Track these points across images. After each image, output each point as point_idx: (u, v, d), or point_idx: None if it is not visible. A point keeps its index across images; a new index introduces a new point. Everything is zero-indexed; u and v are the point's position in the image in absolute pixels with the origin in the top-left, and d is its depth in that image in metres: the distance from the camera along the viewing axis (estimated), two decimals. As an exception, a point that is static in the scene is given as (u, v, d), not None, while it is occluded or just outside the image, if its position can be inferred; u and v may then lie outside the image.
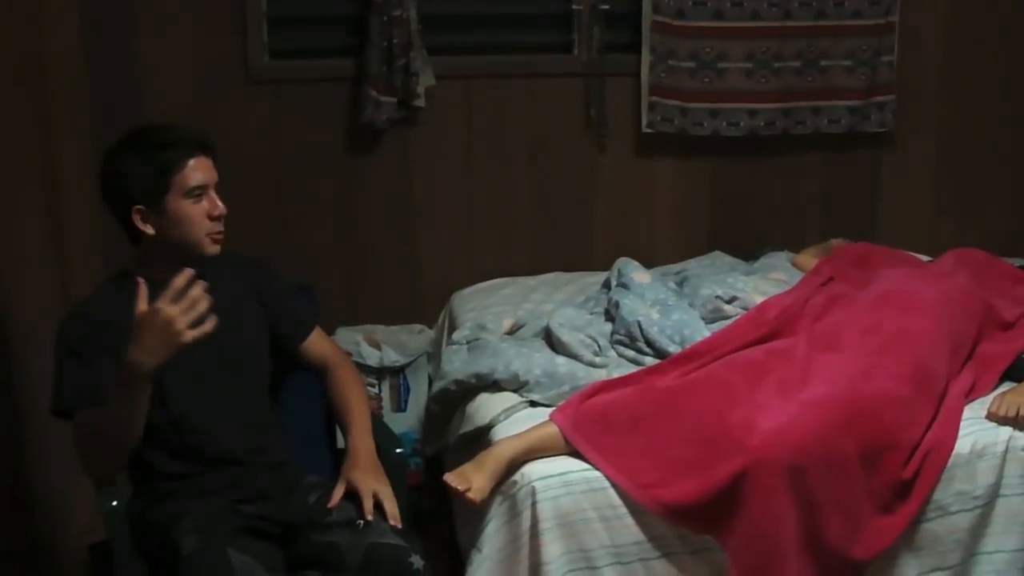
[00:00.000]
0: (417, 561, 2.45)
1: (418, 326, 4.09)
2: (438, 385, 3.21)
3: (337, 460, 3.29)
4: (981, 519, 2.85)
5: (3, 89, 3.08)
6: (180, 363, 2.53)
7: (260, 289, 2.76)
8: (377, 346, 3.92)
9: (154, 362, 2.26)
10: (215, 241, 2.55)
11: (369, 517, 2.50)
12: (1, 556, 2.88)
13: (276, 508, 2.58)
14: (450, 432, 3.20)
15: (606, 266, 3.81)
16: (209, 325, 2.25)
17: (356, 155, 4.01)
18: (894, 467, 2.77)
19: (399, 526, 2.51)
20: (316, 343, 2.83)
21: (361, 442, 2.67)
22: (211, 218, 2.52)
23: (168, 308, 2.21)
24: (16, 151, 3.13)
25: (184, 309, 2.22)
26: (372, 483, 2.56)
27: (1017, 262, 3.80)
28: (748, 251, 4.08)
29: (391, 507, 2.53)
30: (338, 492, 2.57)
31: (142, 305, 2.23)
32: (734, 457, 2.66)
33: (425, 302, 4.09)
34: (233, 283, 2.70)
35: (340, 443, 3.41)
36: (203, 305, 2.24)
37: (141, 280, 2.27)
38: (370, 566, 2.45)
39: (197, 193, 2.50)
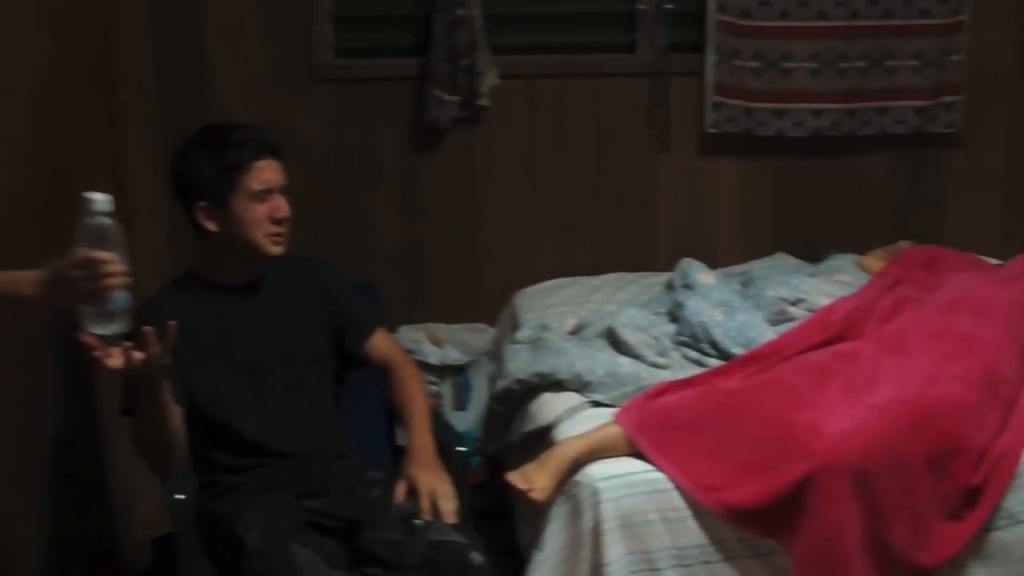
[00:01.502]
0: (477, 557, 2.46)
1: (480, 325, 4.09)
2: (500, 384, 3.21)
3: (397, 456, 3.33)
4: (1052, 528, 2.81)
5: (81, 90, 3.12)
6: (238, 362, 2.56)
7: (324, 290, 2.78)
8: (439, 344, 3.93)
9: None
10: (276, 243, 2.56)
11: (427, 517, 2.51)
12: (72, 549, 2.92)
13: (338, 503, 2.60)
14: (512, 431, 3.19)
15: (669, 267, 3.79)
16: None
17: (420, 154, 4.02)
18: (963, 473, 2.73)
19: (455, 523, 2.51)
20: (379, 344, 2.84)
21: (421, 440, 2.68)
22: (273, 220, 2.54)
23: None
24: (87, 150, 3.17)
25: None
26: (431, 481, 2.57)
27: (1089, 266, 3.73)
28: (812, 253, 4.03)
29: (448, 505, 2.53)
30: (400, 490, 2.58)
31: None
32: (799, 461, 2.63)
33: (487, 301, 4.09)
34: (297, 283, 2.73)
35: (400, 440, 3.46)
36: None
37: (174, 324, 2.22)
38: (431, 562, 2.46)
39: (263, 195, 2.52)
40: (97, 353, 2.11)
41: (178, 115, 3.75)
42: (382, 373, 2.84)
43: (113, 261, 1.94)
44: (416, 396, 2.78)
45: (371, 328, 2.84)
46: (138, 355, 2.14)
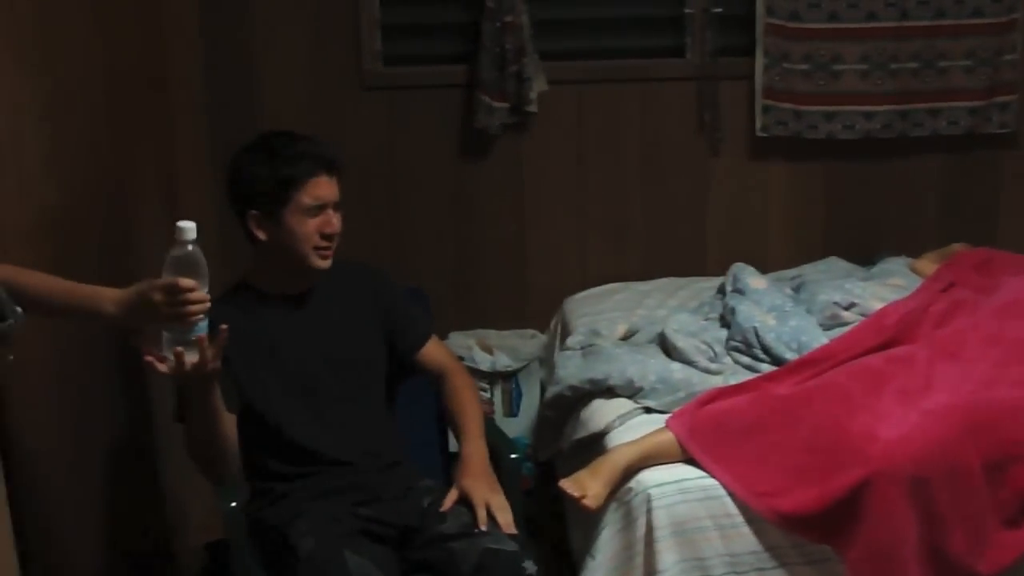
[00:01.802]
0: (531, 566, 2.45)
1: (530, 331, 4.10)
2: (552, 391, 3.21)
3: (449, 464, 3.34)
4: (1111, 534, 2.76)
5: (134, 103, 3.16)
6: (290, 370, 2.58)
7: (377, 298, 2.80)
8: (489, 351, 3.94)
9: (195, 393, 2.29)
10: (323, 257, 2.58)
11: (483, 527, 2.50)
12: (127, 554, 2.95)
13: (392, 511, 2.61)
14: (564, 438, 3.19)
15: (719, 271, 3.77)
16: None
17: (469, 160, 4.03)
18: (1020, 479, 2.69)
19: (515, 533, 2.51)
20: (432, 351, 2.86)
21: (474, 449, 2.68)
22: (323, 236, 2.56)
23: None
24: (140, 162, 3.21)
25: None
26: (485, 492, 2.57)
27: None
28: (864, 256, 4.00)
29: (505, 517, 2.53)
30: (451, 498, 2.59)
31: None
32: (854, 467, 2.61)
33: (537, 307, 4.09)
34: (350, 291, 2.74)
35: (453, 446, 3.47)
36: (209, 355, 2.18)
37: (224, 328, 2.24)
38: (483, 571, 2.46)
39: (315, 210, 2.53)
40: (149, 358, 2.13)
41: (228, 127, 3.78)
42: (435, 381, 2.86)
43: (197, 290, 2.02)
44: (469, 404, 2.79)
45: (424, 336, 2.86)
46: (190, 359, 2.15)
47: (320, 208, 2.54)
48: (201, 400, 2.35)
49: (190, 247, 2.07)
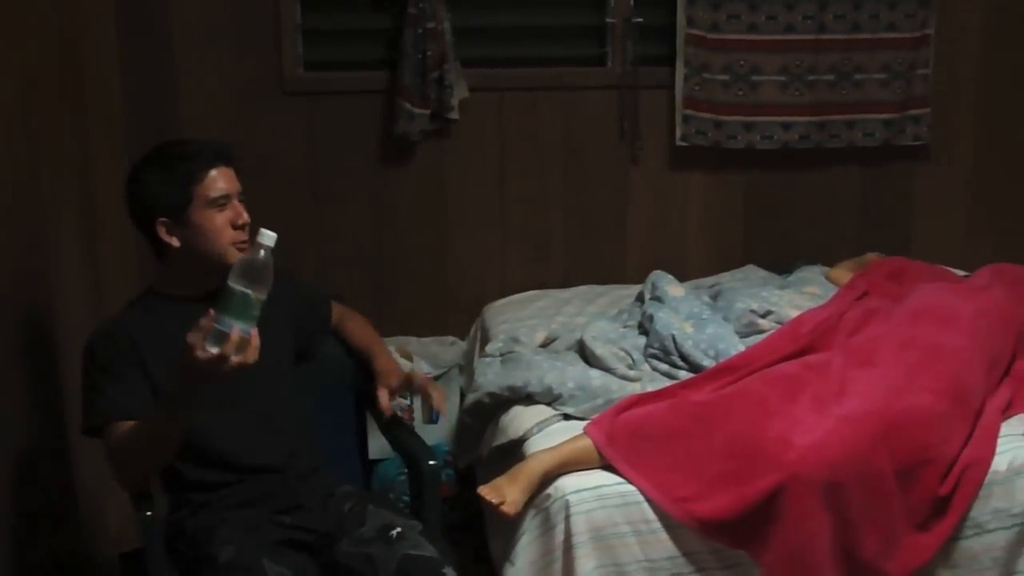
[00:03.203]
0: (451, 573, 2.44)
1: (450, 338, 4.09)
2: (471, 397, 3.21)
3: (369, 472, 3.33)
4: (1019, 537, 2.81)
5: (48, 108, 3.11)
6: None
7: (283, 293, 2.78)
8: (409, 358, 3.92)
9: (199, 392, 2.28)
10: (241, 250, 2.56)
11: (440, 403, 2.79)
12: (39, 565, 2.89)
13: (312, 518, 2.58)
14: (483, 445, 3.19)
15: (639, 279, 3.80)
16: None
17: (390, 167, 4.02)
18: (931, 484, 2.75)
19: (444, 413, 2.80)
20: (335, 313, 2.99)
21: (390, 363, 2.90)
22: (235, 227, 2.54)
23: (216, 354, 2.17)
24: (55, 168, 3.15)
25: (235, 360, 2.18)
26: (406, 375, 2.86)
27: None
28: (781, 265, 4.06)
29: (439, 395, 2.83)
30: (383, 396, 2.79)
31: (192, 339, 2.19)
32: (770, 472, 2.64)
33: (457, 314, 4.10)
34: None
35: (372, 454, 3.45)
36: (252, 355, 2.21)
37: (212, 311, 2.21)
38: None
39: (220, 203, 2.52)
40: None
41: (147, 131, 3.73)
42: (336, 332, 3.00)
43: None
44: (372, 331, 3.01)
45: (329, 307, 2.97)
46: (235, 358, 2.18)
47: (225, 199, 2.53)
48: (183, 415, 2.32)
49: (262, 253, 2.17)
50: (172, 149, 2.56)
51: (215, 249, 2.52)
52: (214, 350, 2.15)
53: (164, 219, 2.50)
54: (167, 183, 2.50)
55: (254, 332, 2.19)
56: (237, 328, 2.15)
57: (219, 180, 2.53)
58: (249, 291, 2.15)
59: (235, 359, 2.17)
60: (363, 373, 2.95)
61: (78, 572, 3.27)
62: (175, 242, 2.51)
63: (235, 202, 2.55)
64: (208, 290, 2.62)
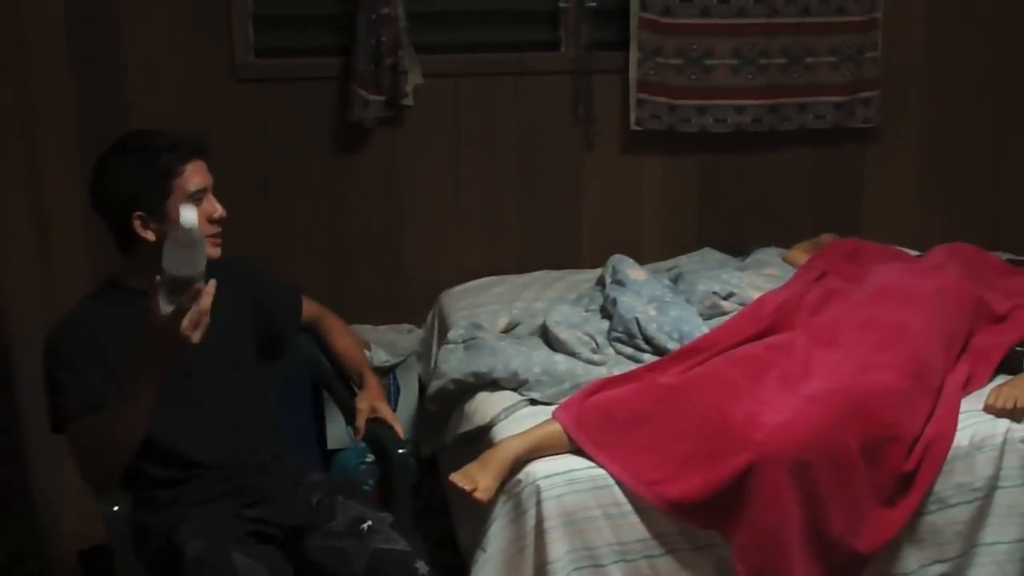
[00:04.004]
0: (423, 567, 2.43)
1: (407, 326, 4.06)
2: (435, 384, 3.19)
3: (327, 460, 3.31)
4: (980, 511, 2.87)
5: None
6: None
7: (247, 287, 2.75)
8: (367, 346, 3.88)
9: (163, 365, 2.27)
10: (214, 245, 2.53)
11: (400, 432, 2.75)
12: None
13: (279, 511, 2.55)
14: (447, 432, 3.18)
15: (594, 264, 3.80)
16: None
17: (343, 154, 3.98)
18: (896, 460, 2.79)
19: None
20: (306, 308, 2.95)
21: (372, 378, 2.90)
22: (211, 221, 2.51)
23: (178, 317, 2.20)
24: (1, 154, 3.09)
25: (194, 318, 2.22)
26: (388, 409, 2.81)
27: (1003, 256, 3.83)
28: (735, 247, 4.09)
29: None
30: (361, 418, 2.76)
31: (153, 306, 2.21)
32: (740, 452, 2.66)
33: (413, 301, 4.07)
34: (220, 286, 2.68)
35: (331, 444, 3.43)
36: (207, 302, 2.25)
37: (159, 278, 2.23)
38: (374, 571, 2.42)
39: (197, 197, 2.48)
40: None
41: (96, 118, 3.67)
42: (309, 330, 2.98)
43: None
44: (353, 339, 3.00)
45: (299, 301, 2.93)
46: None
47: (201, 193, 2.49)
48: (150, 395, 2.30)
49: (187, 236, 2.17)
50: (146, 140, 2.50)
51: None
52: (169, 309, 2.18)
53: (141, 213, 2.45)
54: (144, 176, 2.44)
55: (202, 284, 2.21)
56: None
57: (198, 174, 2.50)
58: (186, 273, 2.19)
59: (193, 313, 2.19)
60: (340, 379, 2.97)
61: (34, 571, 3.22)
62: (150, 236, 2.46)
63: (210, 196, 2.52)
64: None
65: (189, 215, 2.17)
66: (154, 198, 2.44)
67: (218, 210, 2.52)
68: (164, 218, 2.45)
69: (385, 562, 2.43)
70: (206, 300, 2.22)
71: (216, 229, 2.52)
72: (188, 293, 2.19)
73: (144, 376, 2.28)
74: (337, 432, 3.52)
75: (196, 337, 2.24)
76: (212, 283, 2.25)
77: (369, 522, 2.49)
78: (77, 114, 3.71)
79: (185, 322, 2.21)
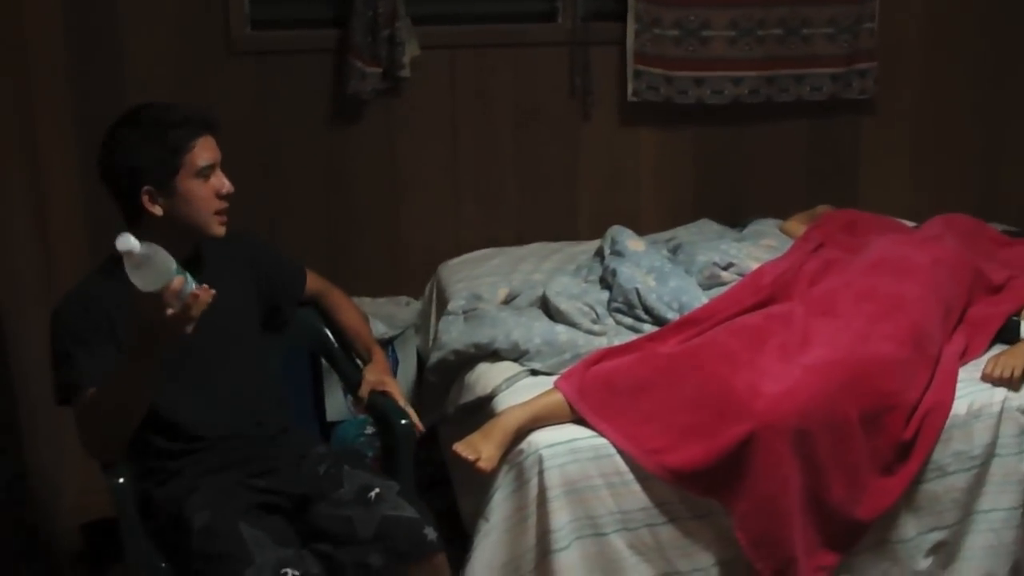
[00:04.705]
0: (431, 533, 2.46)
1: (405, 298, 4.06)
2: (435, 356, 3.20)
3: (326, 433, 3.32)
4: (978, 479, 2.89)
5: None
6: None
7: (254, 262, 2.76)
8: (365, 319, 3.89)
9: (160, 351, 2.29)
10: (222, 223, 2.54)
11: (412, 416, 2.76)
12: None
13: (286, 481, 2.57)
14: (448, 403, 3.19)
15: (592, 235, 3.80)
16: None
17: (340, 127, 3.97)
18: (894, 429, 2.81)
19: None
20: (310, 283, 2.97)
21: (380, 353, 2.95)
22: (219, 197, 2.51)
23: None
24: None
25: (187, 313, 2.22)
26: (394, 384, 2.85)
27: (999, 227, 3.84)
28: (732, 218, 4.09)
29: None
30: (366, 388, 2.81)
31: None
32: (740, 421, 2.68)
33: (411, 273, 4.07)
34: (228, 261, 2.69)
35: (330, 416, 3.44)
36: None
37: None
38: (383, 538, 2.45)
39: (206, 173, 2.48)
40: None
41: (93, 93, 3.66)
42: (313, 304, 3.00)
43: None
44: (359, 313, 3.04)
45: (303, 274, 2.94)
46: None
47: (210, 169, 2.49)
48: (154, 367, 2.31)
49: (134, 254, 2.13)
50: (156, 114, 2.50)
51: (199, 219, 2.49)
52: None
53: (149, 187, 2.45)
54: (154, 150, 2.44)
55: (180, 279, 2.20)
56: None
57: (207, 149, 2.50)
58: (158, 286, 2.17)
59: (180, 311, 2.20)
60: (347, 354, 3.00)
61: (38, 544, 3.23)
62: (158, 211, 2.46)
63: (219, 171, 2.52)
64: (180, 258, 2.58)
65: (122, 240, 2.12)
66: (163, 174, 2.44)
67: (226, 185, 2.52)
68: (173, 193, 2.46)
69: (394, 529, 2.46)
70: (197, 308, 2.23)
71: (224, 205, 2.52)
72: (169, 294, 2.18)
73: (143, 357, 2.28)
74: (336, 404, 3.53)
75: (189, 329, 2.24)
76: (206, 287, 2.25)
77: (377, 490, 2.51)
78: (72, 89, 3.68)
79: (174, 320, 2.20)
